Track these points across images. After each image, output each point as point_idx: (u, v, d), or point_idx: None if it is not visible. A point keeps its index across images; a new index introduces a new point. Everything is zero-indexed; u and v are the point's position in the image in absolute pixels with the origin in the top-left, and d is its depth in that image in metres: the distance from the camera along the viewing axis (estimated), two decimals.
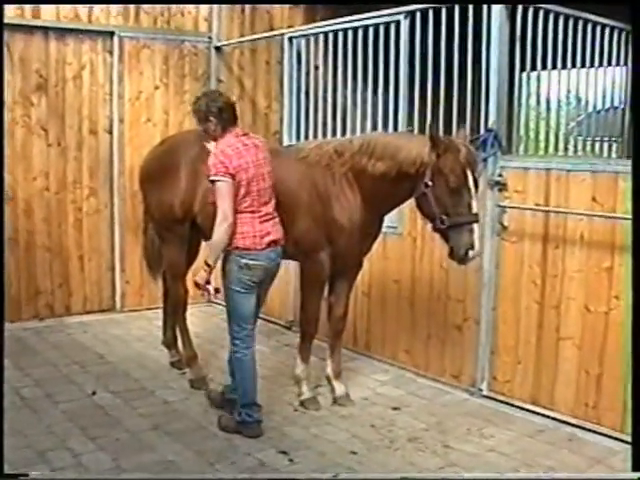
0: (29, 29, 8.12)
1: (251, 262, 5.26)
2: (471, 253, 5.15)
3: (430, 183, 5.20)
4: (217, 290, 5.32)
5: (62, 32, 8.31)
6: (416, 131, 7.25)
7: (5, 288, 8.21)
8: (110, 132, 8.73)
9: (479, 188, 5.37)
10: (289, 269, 7.35)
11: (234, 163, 5.17)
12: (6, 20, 7.82)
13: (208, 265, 5.20)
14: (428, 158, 5.19)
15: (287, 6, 9.64)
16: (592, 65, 7.21)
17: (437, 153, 5.16)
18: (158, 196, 6.54)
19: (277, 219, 5.49)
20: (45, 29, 8.21)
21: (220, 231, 5.16)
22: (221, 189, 5.15)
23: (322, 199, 5.82)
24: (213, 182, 5.18)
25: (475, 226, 5.15)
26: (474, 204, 5.16)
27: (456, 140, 5.27)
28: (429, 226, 5.44)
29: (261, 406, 5.60)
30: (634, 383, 4.45)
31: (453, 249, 5.22)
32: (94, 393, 6.28)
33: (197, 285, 5.30)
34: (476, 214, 5.17)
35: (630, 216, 4.65)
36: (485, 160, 6.03)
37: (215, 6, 9.21)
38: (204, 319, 8.73)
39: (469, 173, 5.13)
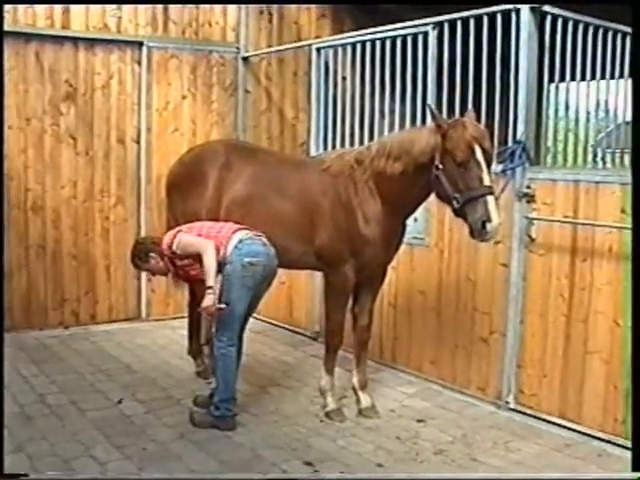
0: (59, 39, 8.20)
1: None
2: (489, 226, 5.03)
3: (440, 165, 5.19)
4: (225, 305, 5.53)
5: (91, 42, 8.39)
6: None
7: (31, 295, 8.33)
8: (138, 141, 8.78)
9: (492, 163, 5.29)
10: (315, 280, 7.34)
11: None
12: (37, 30, 7.96)
13: (210, 287, 5.42)
14: (434, 141, 5.21)
15: (315, 16, 9.65)
16: (621, 76, 7.15)
17: (442, 134, 5.16)
18: (183, 204, 6.57)
19: None
20: (74, 39, 8.30)
21: (207, 258, 5.46)
22: (184, 239, 5.65)
23: (346, 210, 5.82)
24: (175, 252, 5.68)
25: (489, 198, 5.06)
26: (485, 177, 5.09)
27: (462, 119, 5.28)
28: (450, 211, 5.39)
29: (237, 400, 5.81)
30: (634, 384, 4.43)
31: (471, 225, 5.13)
32: (120, 401, 6.29)
33: (207, 310, 5.51)
34: (489, 186, 5.09)
35: None
36: (513, 172, 5.99)
37: (243, 16, 9.23)
38: None
39: (476, 147, 5.08)
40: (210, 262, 5.46)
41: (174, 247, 5.66)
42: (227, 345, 5.64)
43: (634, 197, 4.55)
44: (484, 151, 5.12)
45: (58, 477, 4.83)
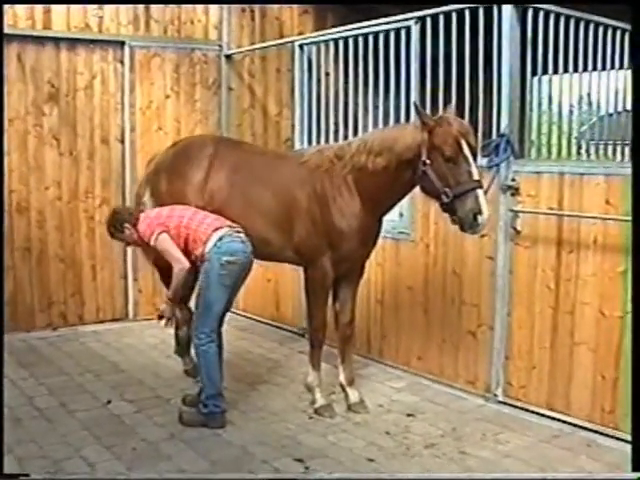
0: (40, 40, 8.17)
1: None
2: (480, 218, 5.11)
3: (427, 161, 5.25)
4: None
5: (73, 42, 8.36)
6: None
7: (17, 297, 8.29)
8: (122, 141, 8.75)
9: (477, 158, 5.36)
10: (301, 276, 7.34)
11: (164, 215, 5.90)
12: (18, 31, 7.93)
13: (170, 299, 5.83)
14: (421, 137, 5.26)
15: (297, 12, 9.66)
16: (603, 68, 7.18)
17: (428, 130, 5.22)
18: (170, 184, 6.57)
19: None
20: (56, 39, 8.26)
21: (176, 278, 5.68)
22: (163, 244, 5.73)
23: (321, 204, 5.86)
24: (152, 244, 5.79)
25: (479, 192, 5.14)
26: (474, 171, 5.16)
27: (445, 115, 5.34)
28: (437, 206, 5.42)
29: (224, 396, 5.84)
30: (634, 383, 4.44)
31: (461, 218, 5.19)
32: (109, 402, 6.29)
33: (161, 317, 5.88)
34: (478, 180, 5.16)
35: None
36: (498, 165, 6.01)
37: (225, 14, 9.22)
38: None
39: (463, 142, 5.16)
40: (178, 282, 5.69)
41: (151, 242, 5.76)
42: (207, 342, 5.68)
43: (634, 187, 4.55)
44: (470, 146, 5.18)
45: (58, 477, 4.81)
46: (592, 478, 4.96)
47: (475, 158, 5.25)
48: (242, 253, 5.65)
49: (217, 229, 5.67)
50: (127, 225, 5.94)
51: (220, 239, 5.61)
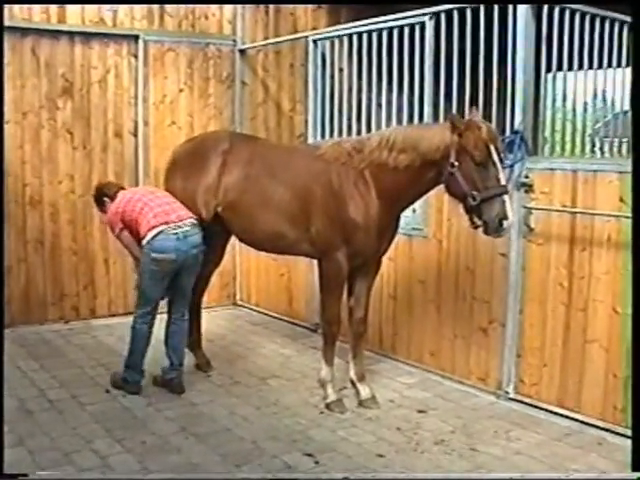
0: (55, 34, 8.18)
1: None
2: (505, 223, 5.22)
3: (456, 163, 5.28)
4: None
5: (87, 36, 8.36)
6: None
7: (30, 290, 8.33)
8: (135, 135, 8.76)
9: (504, 163, 5.48)
10: (314, 271, 7.34)
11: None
12: (33, 25, 7.95)
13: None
14: (450, 140, 5.29)
15: (311, 7, 9.63)
16: (619, 65, 7.13)
17: (459, 133, 5.25)
18: (184, 181, 6.60)
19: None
20: (71, 34, 8.26)
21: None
22: (124, 239, 6.35)
23: (336, 197, 5.85)
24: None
25: (506, 197, 5.24)
26: (502, 176, 5.26)
27: (474, 118, 5.38)
28: (460, 207, 5.45)
29: (144, 371, 6.37)
30: (634, 382, 4.43)
31: (487, 222, 5.27)
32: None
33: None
34: (505, 186, 5.27)
35: None
36: (512, 165, 5.99)
37: (239, 9, 9.22)
38: (230, 321, 8.76)
39: (492, 148, 5.23)
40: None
41: (115, 231, 6.35)
42: (140, 323, 6.28)
43: (634, 184, 4.54)
44: (498, 151, 5.28)
45: (58, 477, 4.82)
46: (592, 478, 4.94)
47: (502, 163, 5.34)
48: (174, 250, 6.01)
49: (153, 227, 6.04)
50: (106, 199, 6.49)
51: (153, 237, 6.02)
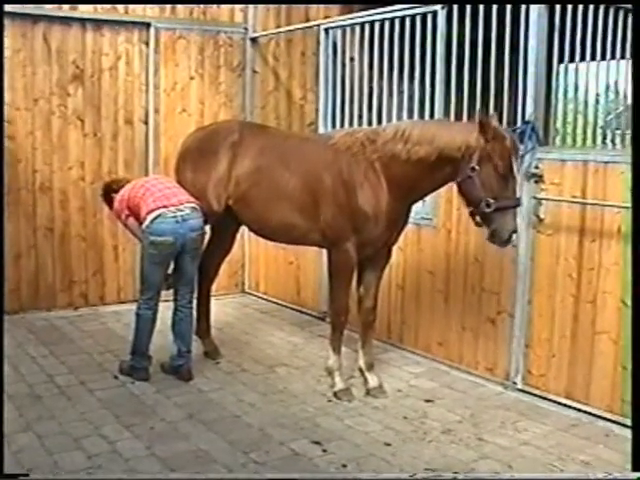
0: (66, 20, 8.18)
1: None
2: (514, 236, 5.31)
3: (477, 167, 5.23)
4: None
5: (99, 23, 8.36)
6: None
7: (39, 276, 8.35)
8: (146, 122, 8.76)
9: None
10: (323, 260, 7.35)
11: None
12: (44, 12, 7.95)
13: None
14: (476, 143, 5.22)
15: None
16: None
17: (485, 138, 5.19)
18: (194, 173, 6.62)
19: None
20: (82, 20, 8.27)
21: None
22: (130, 226, 6.42)
23: (346, 186, 5.83)
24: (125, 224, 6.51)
25: (517, 210, 5.34)
26: (517, 189, 5.33)
27: (499, 128, 5.31)
28: (469, 210, 5.44)
29: (152, 357, 6.44)
30: (634, 382, 4.45)
31: (496, 232, 5.28)
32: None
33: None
34: (519, 198, 5.34)
35: None
36: (524, 155, 5.96)
37: None
38: (238, 309, 8.78)
39: (514, 160, 5.25)
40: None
41: (122, 218, 6.44)
42: (143, 308, 6.33)
43: (634, 177, 4.53)
44: (517, 164, 5.35)
45: (58, 477, 4.83)
46: (592, 478, 4.94)
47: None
48: (171, 233, 6.04)
49: (152, 210, 6.08)
50: (114, 195, 6.56)
51: (152, 220, 6.06)
